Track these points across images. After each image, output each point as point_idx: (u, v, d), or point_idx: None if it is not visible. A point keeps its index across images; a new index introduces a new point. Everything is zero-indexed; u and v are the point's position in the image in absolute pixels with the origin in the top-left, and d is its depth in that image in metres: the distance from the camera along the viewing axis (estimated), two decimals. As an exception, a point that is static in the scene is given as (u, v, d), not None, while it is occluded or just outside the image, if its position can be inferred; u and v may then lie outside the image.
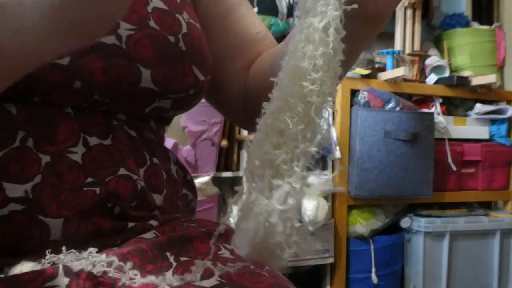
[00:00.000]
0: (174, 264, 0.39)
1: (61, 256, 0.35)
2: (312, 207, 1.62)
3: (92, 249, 0.37)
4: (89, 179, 0.39)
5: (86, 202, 0.38)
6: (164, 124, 0.52)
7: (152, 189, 0.44)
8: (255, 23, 0.56)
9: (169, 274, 0.38)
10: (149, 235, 0.42)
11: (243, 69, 0.54)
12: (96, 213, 0.39)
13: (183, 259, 0.40)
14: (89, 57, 0.38)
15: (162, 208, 0.45)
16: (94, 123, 0.41)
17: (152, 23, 0.42)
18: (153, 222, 0.43)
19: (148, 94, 0.43)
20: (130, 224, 0.41)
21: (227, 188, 1.73)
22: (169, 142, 1.42)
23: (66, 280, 0.34)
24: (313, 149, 0.29)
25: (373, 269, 1.73)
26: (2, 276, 0.33)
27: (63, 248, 0.36)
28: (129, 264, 0.37)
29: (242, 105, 0.55)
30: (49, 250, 0.37)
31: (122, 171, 0.41)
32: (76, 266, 0.35)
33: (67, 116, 0.39)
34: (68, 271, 0.35)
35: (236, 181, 1.69)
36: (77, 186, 0.38)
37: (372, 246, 1.75)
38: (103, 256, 0.37)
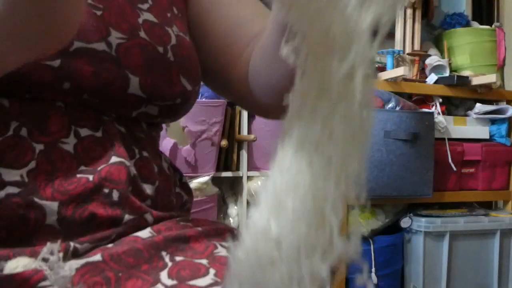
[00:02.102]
0: (170, 264, 0.39)
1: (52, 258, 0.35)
2: (312, 207, 1.62)
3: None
4: (82, 167, 0.40)
5: (79, 187, 0.39)
6: (155, 128, 0.53)
7: (143, 179, 0.44)
8: (241, 7, 0.56)
9: (163, 274, 0.38)
10: (144, 233, 0.41)
11: (238, 55, 0.54)
12: (92, 199, 0.39)
13: (178, 258, 0.40)
14: (80, 61, 0.40)
15: (154, 199, 0.45)
16: (85, 117, 0.42)
17: (142, 33, 0.44)
18: (148, 217, 0.43)
19: (136, 100, 0.44)
20: (126, 217, 0.41)
21: (227, 188, 1.73)
22: (169, 142, 1.42)
23: None
24: None
25: (373, 269, 1.73)
26: None
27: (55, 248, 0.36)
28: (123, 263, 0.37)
29: (249, 89, 0.53)
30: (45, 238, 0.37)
31: (114, 159, 0.41)
32: (71, 266, 0.35)
33: (58, 110, 0.40)
34: None
35: (236, 181, 1.69)
36: (70, 174, 0.39)
37: (372, 246, 1.75)
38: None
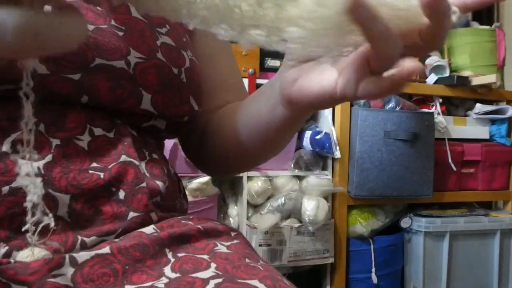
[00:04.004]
0: (172, 260, 0.41)
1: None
2: (312, 207, 1.62)
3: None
4: (94, 164, 0.42)
5: (91, 183, 0.41)
6: (159, 143, 0.56)
7: (154, 177, 0.47)
8: (234, 72, 0.63)
9: (167, 268, 0.40)
10: (148, 229, 0.43)
11: (209, 111, 0.59)
12: (100, 196, 0.42)
13: (180, 254, 0.42)
14: (98, 77, 0.43)
15: (163, 197, 0.47)
16: (99, 117, 0.45)
17: (159, 55, 0.48)
18: (153, 216, 0.45)
19: (147, 114, 0.48)
20: (131, 214, 0.43)
21: (227, 188, 1.73)
22: (169, 142, 1.42)
23: (71, 270, 0.37)
24: None
25: (373, 269, 1.74)
26: (12, 261, 0.36)
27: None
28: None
29: (199, 145, 0.61)
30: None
31: (124, 158, 0.44)
32: (81, 257, 0.38)
33: (75, 109, 0.43)
34: (74, 261, 0.37)
35: (236, 181, 1.69)
36: (84, 169, 0.42)
37: (372, 246, 1.75)
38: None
